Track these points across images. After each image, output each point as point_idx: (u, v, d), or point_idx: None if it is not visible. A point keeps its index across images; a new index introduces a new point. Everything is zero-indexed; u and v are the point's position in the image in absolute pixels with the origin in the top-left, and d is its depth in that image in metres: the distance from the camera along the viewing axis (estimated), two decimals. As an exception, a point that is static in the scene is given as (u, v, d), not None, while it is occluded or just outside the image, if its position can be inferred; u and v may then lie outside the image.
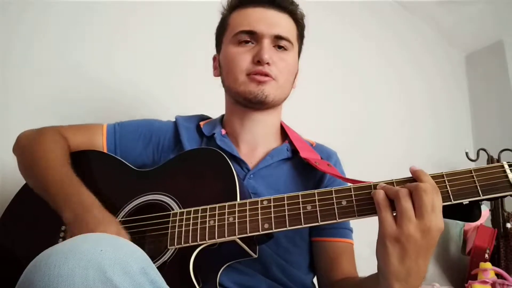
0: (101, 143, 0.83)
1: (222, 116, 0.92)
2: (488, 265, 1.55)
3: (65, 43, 1.16)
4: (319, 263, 0.81)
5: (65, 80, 1.14)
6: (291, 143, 0.85)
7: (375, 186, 0.57)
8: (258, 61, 0.77)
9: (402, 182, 0.57)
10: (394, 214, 0.53)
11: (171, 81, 1.35)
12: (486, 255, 1.64)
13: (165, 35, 1.37)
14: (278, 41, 0.79)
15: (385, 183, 0.57)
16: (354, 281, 0.72)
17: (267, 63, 0.77)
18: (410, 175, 0.57)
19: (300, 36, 0.87)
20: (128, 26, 1.29)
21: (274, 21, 0.79)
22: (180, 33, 1.40)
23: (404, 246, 0.50)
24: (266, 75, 0.77)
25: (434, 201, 0.51)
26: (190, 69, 1.36)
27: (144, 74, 1.30)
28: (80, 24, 1.20)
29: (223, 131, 0.85)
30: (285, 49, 0.81)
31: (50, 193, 0.67)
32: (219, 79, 0.87)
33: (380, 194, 0.54)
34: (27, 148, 0.78)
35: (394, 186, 0.56)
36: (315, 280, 0.84)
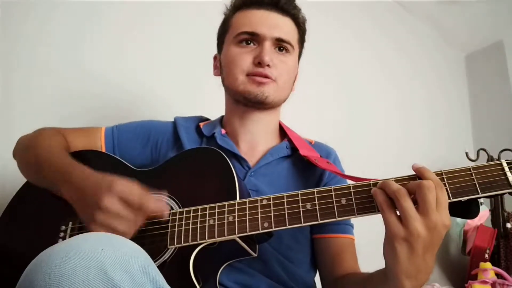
0: (100, 146, 0.84)
1: (222, 117, 0.92)
2: (488, 265, 1.55)
3: (69, 43, 1.16)
4: (321, 260, 0.81)
5: (68, 80, 1.14)
6: (290, 141, 0.86)
7: (374, 184, 0.57)
8: (258, 62, 0.77)
9: (402, 180, 0.57)
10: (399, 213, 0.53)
11: (175, 81, 1.35)
12: (486, 255, 1.64)
13: (170, 36, 1.37)
14: (279, 43, 0.80)
15: (408, 176, 0.57)
16: (359, 277, 0.72)
17: (268, 65, 0.77)
18: (410, 172, 0.57)
19: (301, 40, 0.88)
20: (131, 27, 1.30)
21: (276, 24, 0.80)
22: (185, 33, 1.40)
23: (412, 245, 0.50)
24: (266, 76, 0.78)
25: (439, 198, 0.51)
26: (195, 69, 1.36)
27: (148, 75, 1.30)
28: (84, 25, 1.20)
29: (223, 131, 0.85)
30: (286, 52, 0.81)
31: (47, 178, 0.68)
32: (219, 79, 0.87)
33: (380, 196, 0.53)
34: (25, 145, 0.79)
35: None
36: (316, 279, 0.84)
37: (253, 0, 0.82)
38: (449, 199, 0.54)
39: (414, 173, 0.56)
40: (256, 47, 0.79)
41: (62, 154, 0.71)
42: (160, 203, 0.60)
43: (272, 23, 0.80)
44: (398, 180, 0.56)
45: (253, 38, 0.79)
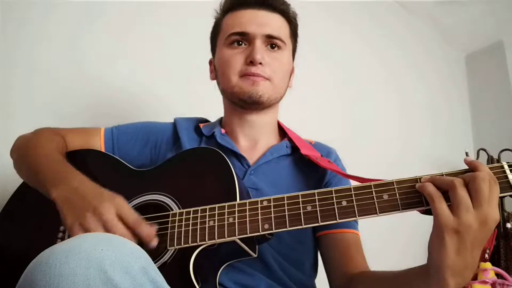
0: (99, 146, 0.84)
1: (221, 118, 0.92)
2: (488, 265, 1.54)
3: (68, 43, 1.16)
4: (329, 259, 0.79)
5: (68, 80, 1.14)
6: (290, 140, 0.86)
7: (375, 186, 0.57)
8: (250, 61, 0.77)
9: (404, 182, 0.56)
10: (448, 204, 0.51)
11: (174, 81, 1.35)
12: (486, 255, 1.63)
13: (168, 36, 1.37)
14: (270, 41, 0.80)
15: (383, 183, 0.56)
16: (384, 275, 0.67)
17: (260, 63, 0.77)
18: (410, 174, 0.57)
19: (294, 35, 0.87)
20: (131, 26, 1.29)
21: (265, 21, 0.80)
22: (183, 33, 1.40)
23: (463, 237, 0.49)
24: (259, 75, 0.77)
25: (492, 191, 0.50)
26: (193, 69, 1.35)
27: (147, 74, 1.30)
28: (83, 24, 1.20)
29: (223, 130, 0.85)
30: (278, 48, 0.81)
31: (38, 176, 0.67)
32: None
33: (429, 186, 0.52)
34: (22, 145, 0.79)
35: (394, 186, 0.56)
36: (316, 281, 0.83)
37: (240, 0, 0.82)
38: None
39: (416, 175, 0.56)
40: (247, 47, 0.79)
41: (59, 158, 0.71)
42: (151, 231, 0.59)
43: (261, 21, 0.80)
44: (399, 182, 0.56)
45: (244, 38, 0.79)
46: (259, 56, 0.76)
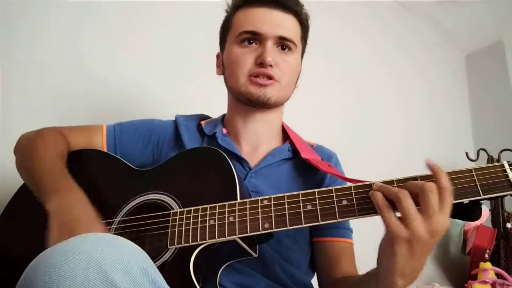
0: (101, 144, 0.83)
1: (223, 116, 0.92)
2: (488, 265, 1.55)
3: (67, 43, 1.16)
4: (320, 263, 0.81)
5: (67, 80, 1.14)
6: (292, 143, 0.86)
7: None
8: (260, 62, 0.76)
9: (403, 181, 0.56)
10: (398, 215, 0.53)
11: (173, 80, 1.35)
12: (486, 255, 1.64)
13: (167, 35, 1.37)
14: (281, 42, 0.79)
15: (384, 182, 0.57)
16: (352, 279, 0.72)
17: (270, 65, 0.76)
18: (410, 174, 0.57)
19: (304, 37, 0.86)
20: (129, 26, 1.29)
21: (278, 22, 0.79)
22: (181, 33, 1.40)
23: (412, 246, 0.51)
24: (269, 77, 0.77)
25: (445, 201, 0.51)
26: (191, 68, 1.36)
27: (145, 74, 1.30)
28: (82, 24, 1.20)
29: (225, 131, 0.85)
30: (289, 50, 0.80)
31: (38, 184, 0.67)
32: (221, 77, 0.87)
33: (378, 196, 0.54)
34: (25, 146, 0.78)
35: (394, 185, 0.56)
36: (313, 280, 0.84)
37: None
38: (451, 200, 0.53)
39: (414, 174, 0.56)
40: (258, 47, 0.78)
41: (59, 166, 0.71)
42: None
43: (274, 21, 0.78)
44: (399, 181, 0.56)
45: (255, 37, 0.78)
46: (269, 58, 0.75)
